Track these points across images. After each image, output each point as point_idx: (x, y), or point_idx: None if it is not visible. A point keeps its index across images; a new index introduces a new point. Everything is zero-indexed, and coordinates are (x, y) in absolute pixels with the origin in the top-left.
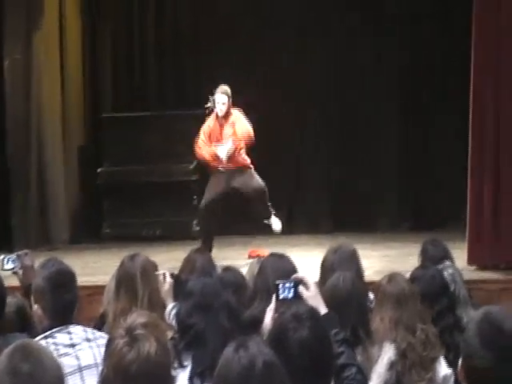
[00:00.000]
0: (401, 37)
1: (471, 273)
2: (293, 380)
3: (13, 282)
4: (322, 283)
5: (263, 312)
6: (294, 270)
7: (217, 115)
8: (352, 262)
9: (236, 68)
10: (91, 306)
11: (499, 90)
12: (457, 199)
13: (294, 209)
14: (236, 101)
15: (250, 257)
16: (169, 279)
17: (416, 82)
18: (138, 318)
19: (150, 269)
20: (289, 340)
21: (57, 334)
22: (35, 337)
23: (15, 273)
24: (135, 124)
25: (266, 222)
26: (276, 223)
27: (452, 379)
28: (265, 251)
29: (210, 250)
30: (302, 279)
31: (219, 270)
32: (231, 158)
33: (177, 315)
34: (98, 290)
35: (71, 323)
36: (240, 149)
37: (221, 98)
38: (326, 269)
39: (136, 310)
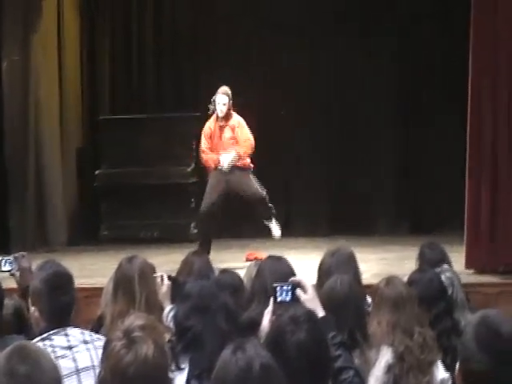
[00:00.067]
0: (401, 37)
1: (469, 276)
2: (290, 383)
3: (10, 283)
4: (319, 286)
5: (261, 314)
6: (292, 273)
7: (217, 116)
8: (349, 265)
9: (235, 69)
10: (89, 308)
11: (497, 93)
12: (455, 202)
13: (292, 211)
14: (235, 102)
15: (247, 259)
16: (166, 281)
17: (416, 82)
18: (135, 320)
19: (147, 271)
20: (286, 343)
21: (54, 336)
22: (32, 339)
23: (12, 275)
24: (133, 126)
25: (266, 223)
26: (276, 229)
27: (449, 383)
28: (262, 254)
29: (208, 253)
30: (300, 282)
31: (217, 273)
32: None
33: (174, 317)
34: (96, 292)
35: (68, 325)
36: (242, 158)
37: (221, 98)
38: (324, 272)
39: (134, 312)
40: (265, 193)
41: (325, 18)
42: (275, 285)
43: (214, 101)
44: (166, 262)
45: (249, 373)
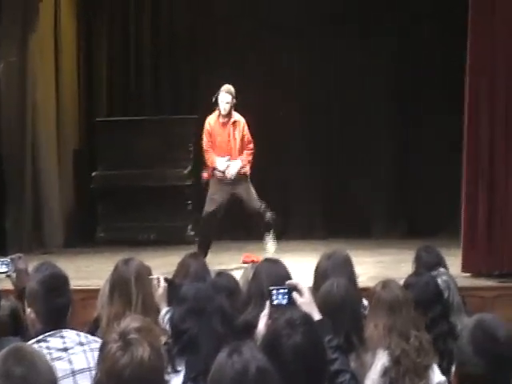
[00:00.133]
0: (401, 37)
1: (465, 280)
2: None
3: (7, 285)
4: (315, 289)
5: (257, 317)
6: (288, 276)
7: (219, 114)
8: (345, 268)
9: (234, 69)
10: (85, 310)
11: (494, 93)
12: (452, 205)
13: (289, 214)
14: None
15: (244, 262)
16: (163, 283)
17: (416, 83)
18: (131, 322)
19: (144, 273)
20: (282, 346)
21: (50, 338)
22: (28, 340)
23: (9, 276)
24: (130, 128)
25: (264, 236)
26: (271, 245)
27: None
28: (259, 256)
29: (205, 256)
30: (296, 285)
31: (213, 275)
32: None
33: (170, 320)
34: (92, 294)
35: (64, 327)
36: (246, 165)
37: (225, 96)
38: (320, 275)
39: (130, 314)
40: (263, 205)
41: (324, 18)
42: (271, 288)
43: (216, 98)
44: (162, 265)
45: (245, 376)
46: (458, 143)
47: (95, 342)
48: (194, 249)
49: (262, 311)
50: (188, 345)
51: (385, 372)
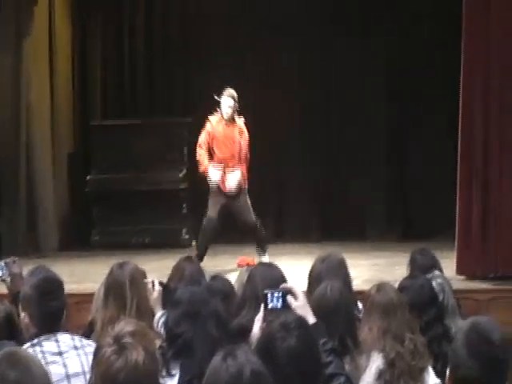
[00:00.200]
0: (401, 37)
1: (460, 282)
2: None
3: (1, 289)
4: (309, 292)
5: (251, 321)
6: (283, 279)
7: (222, 117)
8: (340, 271)
9: (232, 70)
10: (80, 314)
11: (488, 93)
12: (446, 208)
13: (284, 217)
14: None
15: (239, 265)
16: (157, 287)
17: (416, 83)
18: (125, 326)
19: (138, 277)
20: (277, 349)
21: (44, 342)
22: (23, 344)
23: (3, 280)
24: (124, 132)
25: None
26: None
27: None
28: (254, 260)
29: (201, 260)
30: (291, 289)
31: (208, 279)
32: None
33: (165, 324)
34: (87, 297)
35: (59, 331)
36: (245, 176)
37: (227, 101)
38: (314, 278)
39: (124, 318)
40: (259, 222)
41: (324, 18)
42: (266, 291)
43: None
44: (157, 268)
45: (239, 379)
46: (451, 146)
47: (90, 346)
48: (189, 252)
49: (256, 314)
50: (183, 348)
51: (379, 375)
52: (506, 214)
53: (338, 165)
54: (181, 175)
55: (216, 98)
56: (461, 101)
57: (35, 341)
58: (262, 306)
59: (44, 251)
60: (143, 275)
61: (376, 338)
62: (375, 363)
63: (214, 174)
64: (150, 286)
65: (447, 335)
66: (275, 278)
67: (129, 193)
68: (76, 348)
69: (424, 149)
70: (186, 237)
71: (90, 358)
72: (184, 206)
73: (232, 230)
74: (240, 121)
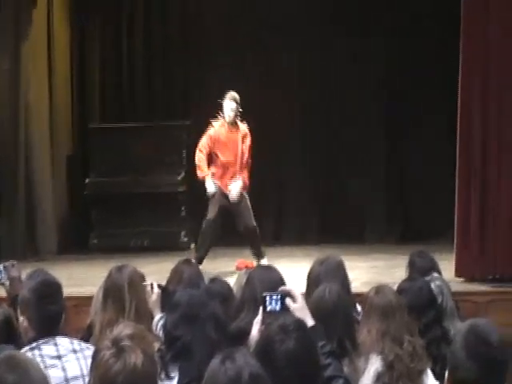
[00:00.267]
0: (401, 37)
1: (458, 285)
2: None
3: (0, 292)
4: (308, 295)
5: (250, 323)
6: (282, 281)
7: (225, 121)
8: (338, 273)
9: (232, 70)
10: (79, 317)
11: (487, 93)
12: (445, 211)
13: (283, 219)
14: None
15: (238, 268)
16: (156, 290)
17: (416, 83)
18: (124, 329)
19: (137, 280)
20: (275, 352)
21: (43, 346)
22: (21, 348)
23: (2, 284)
24: (123, 134)
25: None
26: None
27: None
28: (253, 262)
29: (201, 262)
30: (289, 291)
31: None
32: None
33: (164, 327)
34: (86, 301)
35: (57, 334)
36: (246, 183)
37: (229, 104)
38: (313, 280)
39: (123, 320)
40: (257, 228)
41: (324, 18)
42: (264, 294)
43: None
44: (156, 271)
45: (238, 382)
46: (450, 148)
47: (88, 350)
48: (187, 255)
49: (255, 317)
50: (181, 351)
51: (378, 377)
52: (504, 214)
53: (337, 165)
54: (179, 178)
55: (220, 101)
56: (459, 101)
57: (34, 344)
58: (261, 308)
59: (42, 254)
60: (142, 278)
61: (375, 340)
62: (374, 365)
63: (210, 186)
64: (148, 288)
65: (446, 337)
66: (274, 281)
67: (127, 196)
68: (75, 351)
69: (424, 149)
70: (185, 239)
71: (89, 361)
72: (183, 208)
73: (232, 233)
74: (243, 126)
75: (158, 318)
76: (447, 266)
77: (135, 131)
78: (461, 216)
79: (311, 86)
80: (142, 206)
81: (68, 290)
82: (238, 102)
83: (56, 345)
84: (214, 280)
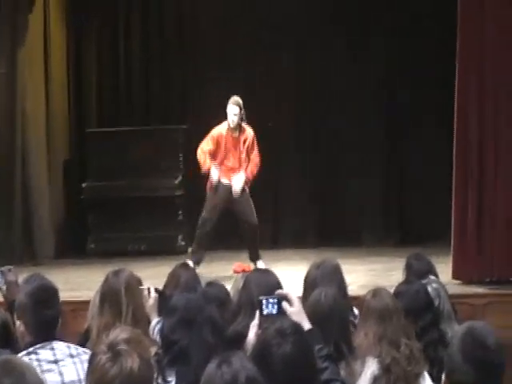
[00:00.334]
0: (401, 37)
1: (455, 287)
2: None
3: None
4: (304, 298)
5: (247, 327)
6: (279, 285)
7: (228, 126)
8: (335, 276)
9: (232, 70)
10: (76, 322)
11: (483, 93)
12: (442, 214)
13: (280, 223)
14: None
15: (235, 272)
16: (153, 294)
17: (415, 83)
18: (120, 333)
19: (134, 284)
20: (272, 356)
21: (40, 350)
22: (18, 353)
23: None
24: (120, 139)
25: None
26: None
27: None
28: (250, 266)
29: (199, 264)
30: (286, 295)
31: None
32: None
33: (160, 331)
34: (83, 305)
35: (54, 339)
36: (250, 179)
37: (232, 109)
38: (309, 284)
39: (120, 325)
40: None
41: (324, 18)
42: (261, 298)
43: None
44: (153, 275)
45: None
46: (447, 151)
47: (85, 354)
48: (184, 259)
49: (252, 321)
50: (178, 355)
51: (374, 380)
52: (500, 215)
53: (337, 165)
54: (176, 182)
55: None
56: (456, 101)
57: (31, 349)
58: (258, 312)
59: (39, 259)
60: (139, 282)
61: (372, 343)
62: (370, 368)
63: (216, 173)
64: (145, 292)
65: (443, 340)
66: (271, 284)
67: (124, 200)
68: (72, 356)
69: (424, 149)
70: (182, 243)
71: (86, 365)
72: (180, 212)
73: (230, 236)
74: (249, 129)
75: (155, 322)
76: (444, 269)
77: (132, 135)
78: (457, 217)
79: (311, 86)
80: (139, 210)
81: (65, 295)
82: (242, 106)
83: (53, 349)
84: (210, 284)
